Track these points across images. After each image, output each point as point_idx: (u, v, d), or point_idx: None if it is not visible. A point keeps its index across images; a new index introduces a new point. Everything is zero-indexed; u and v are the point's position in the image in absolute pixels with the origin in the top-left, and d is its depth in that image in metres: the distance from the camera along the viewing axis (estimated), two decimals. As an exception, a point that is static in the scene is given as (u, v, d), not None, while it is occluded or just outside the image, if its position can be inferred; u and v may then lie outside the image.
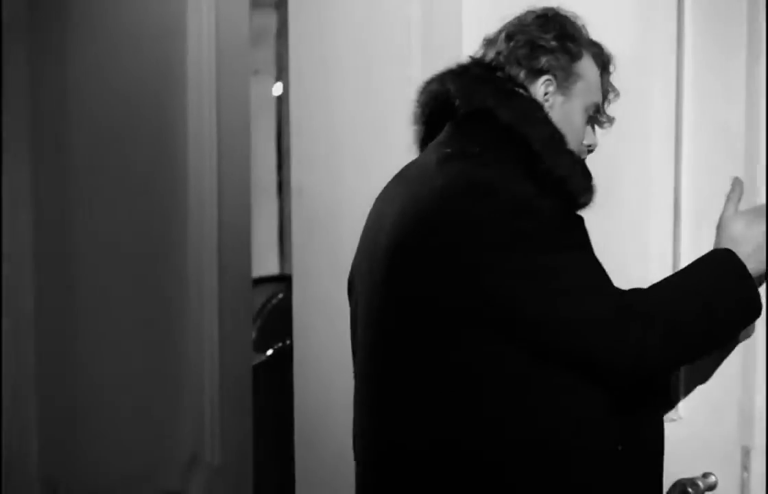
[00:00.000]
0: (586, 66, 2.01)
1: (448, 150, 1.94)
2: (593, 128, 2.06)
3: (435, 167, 1.92)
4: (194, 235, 2.53)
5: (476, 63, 2.00)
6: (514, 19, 2.02)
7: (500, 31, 2.01)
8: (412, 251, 1.88)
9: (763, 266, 2.04)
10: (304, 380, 2.29)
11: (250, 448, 2.64)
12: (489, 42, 2.04)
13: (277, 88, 7.77)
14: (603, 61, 2.05)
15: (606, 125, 2.06)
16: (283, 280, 4.90)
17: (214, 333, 2.54)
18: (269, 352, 3.55)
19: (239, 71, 2.63)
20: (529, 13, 2.03)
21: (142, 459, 2.41)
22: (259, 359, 3.84)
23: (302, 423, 2.29)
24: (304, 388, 2.30)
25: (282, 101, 7.71)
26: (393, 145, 1.95)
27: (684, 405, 2.03)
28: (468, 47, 2.03)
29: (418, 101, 1.98)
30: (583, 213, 1.83)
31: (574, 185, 1.87)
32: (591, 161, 1.90)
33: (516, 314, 1.79)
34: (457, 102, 1.96)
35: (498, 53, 2.01)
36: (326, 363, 2.24)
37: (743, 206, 1.99)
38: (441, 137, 1.98)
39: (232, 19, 2.61)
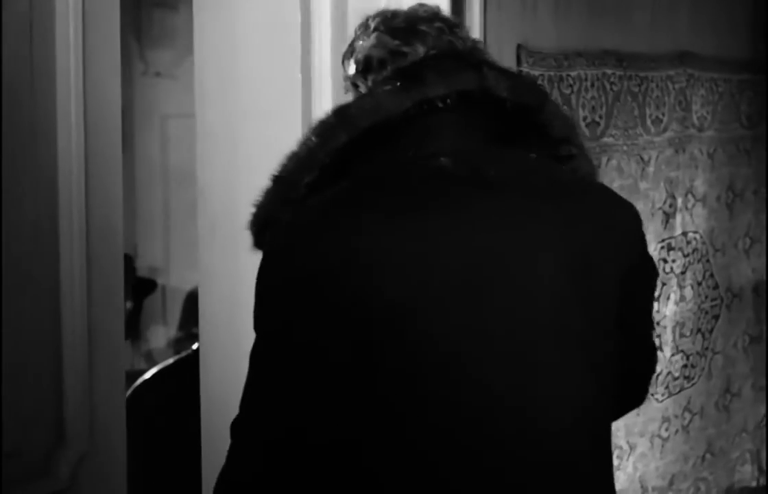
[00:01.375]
0: None
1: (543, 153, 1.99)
2: None
3: (574, 178, 1.98)
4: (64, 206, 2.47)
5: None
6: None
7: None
8: (639, 270, 1.97)
9: None
10: (211, 379, 2.27)
11: (123, 435, 2.59)
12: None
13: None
14: None
15: None
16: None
17: (83, 311, 2.49)
18: (195, 346, 3.49)
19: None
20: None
21: (8, 437, 2.33)
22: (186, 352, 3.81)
23: (208, 422, 2.28)
24: (209, 387, 2.29)
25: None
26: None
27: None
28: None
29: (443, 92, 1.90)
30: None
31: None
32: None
33: None
34: (507, 100, 1.93)
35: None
36: (231, 362, 2.22)
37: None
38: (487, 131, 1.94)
39: None
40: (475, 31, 3.34)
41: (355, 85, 2.04)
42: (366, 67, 2.02)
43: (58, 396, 2.45)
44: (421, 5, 2.07)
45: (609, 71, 3.99)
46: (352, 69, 2.04)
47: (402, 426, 1.76)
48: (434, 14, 2.04)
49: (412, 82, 1.90)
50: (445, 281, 1.77)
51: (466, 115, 1.94)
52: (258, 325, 1.80)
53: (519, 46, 3.65)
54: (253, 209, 1.92)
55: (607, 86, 4.00)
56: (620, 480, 4.05)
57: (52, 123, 2.43)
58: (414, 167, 1.88)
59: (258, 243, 1.91)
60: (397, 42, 1.98)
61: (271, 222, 1.88)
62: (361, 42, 2.05)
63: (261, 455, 1.82)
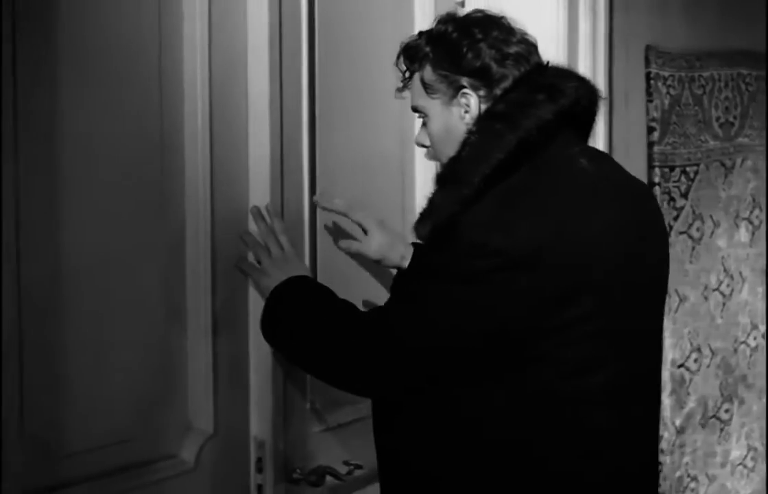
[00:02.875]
0: None
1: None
2: None
3: (641, 182, 2.47)
4: (191, 213, 2.53)
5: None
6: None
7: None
8: (666, 264, 2.40)
9: None
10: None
11: (246, 417, 2.64)
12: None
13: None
14: None
15: None
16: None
17: (208, 305, 2.54)
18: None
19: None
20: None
21: (134, 422, 2.41)
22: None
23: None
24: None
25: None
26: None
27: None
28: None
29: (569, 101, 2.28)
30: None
31: None
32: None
33: None
34: (595, 107, 2.38)
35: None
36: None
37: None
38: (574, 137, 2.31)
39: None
40: (601, 34, 3.37)
41: (458, 87, 2.23)
42: (485, 74, 2.28)
43: (184, 382, 2.51)
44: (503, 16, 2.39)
45: (744, 71, 3.96)
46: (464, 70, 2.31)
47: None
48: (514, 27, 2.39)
49: (554, 93, 2.24)
50: (615, 263, 2.21)
51: (574, 117, 2.29)
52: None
53: (648, 47, 3.66)
54: (426, 208, 2.15)
55: (743, 86, 3.96)
56: (754, 481, 4.01)
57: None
58: (565, 165, 2.22)
59: (433, 239, 2.13)
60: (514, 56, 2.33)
61: (449, 219, 2.09)
62: (476, 48, 2.30)
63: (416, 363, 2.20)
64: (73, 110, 2.24)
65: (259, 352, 2.64)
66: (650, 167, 3.75)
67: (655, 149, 3.72)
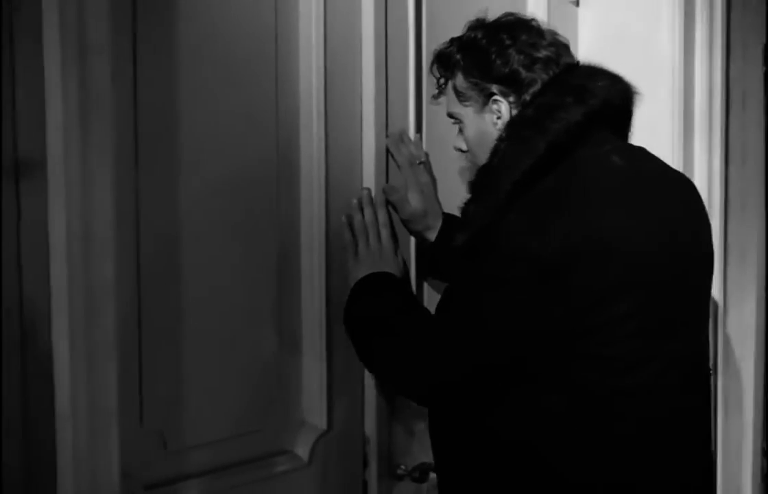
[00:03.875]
0: None
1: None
2: None
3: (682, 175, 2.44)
4: (306, 210, 2.56)
5: None
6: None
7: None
8: (710, 253, 2.41)
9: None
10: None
11: (359, 414, 2.67)
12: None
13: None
14: None
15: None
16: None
17: (322, 303, 2.57)
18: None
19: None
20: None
21: (251, 418, 2.45)
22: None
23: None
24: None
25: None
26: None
27: None
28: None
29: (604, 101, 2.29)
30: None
31: None
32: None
33: None
34: (632, 105, 2.38)
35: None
36: None
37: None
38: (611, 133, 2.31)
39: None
40: (718, 33, 3.33)
41: (489, 94, 2.37)
42: (514, 80, 2.33)
43: (298, 380, 2.54)
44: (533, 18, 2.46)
45: None
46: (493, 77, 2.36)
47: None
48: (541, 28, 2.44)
49: (582, 94, 2.25)
50: (655, 257, 2.20)
51: (606, 116, 2.30)
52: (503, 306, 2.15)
53: (766, 46, 3.61)
54: (461, 219, 2.20)
55: None
56: None
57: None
58: (596, 165, 2.23)
59: (471, 248, 2.16)
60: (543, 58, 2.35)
61: (484, 228, 2.13)
62: (505, 54, 2.36)
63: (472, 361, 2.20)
64: (191, 109, 2.29)
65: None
66: (768, 168, 3.70)
67: (774, 149, 3.67)
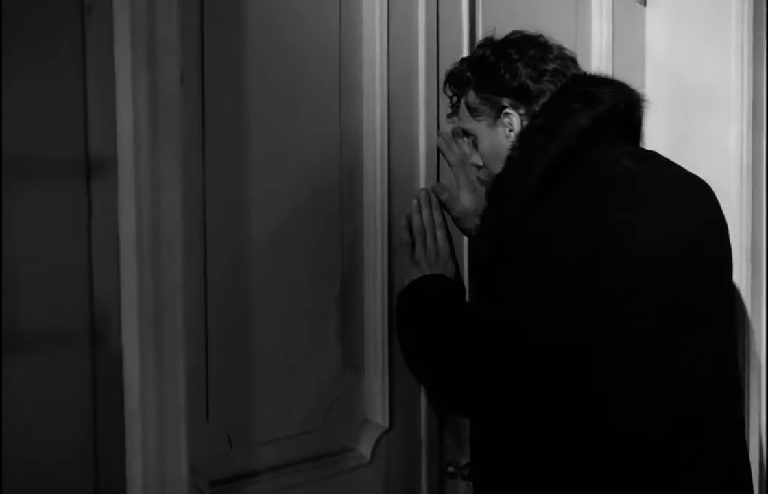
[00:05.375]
0: None
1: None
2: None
3: (695, 176, 2.40)
4: (368, 213, 2.58)
5: None
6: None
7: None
8: (726, 251, 2.42)
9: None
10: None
11: (419, 412, 2.68)
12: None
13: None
14: None
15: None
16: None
17: (384, 305, 2.59)
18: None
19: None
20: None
21: (314, 415, 2.48)
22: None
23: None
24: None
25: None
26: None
27: None
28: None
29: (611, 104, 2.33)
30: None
31: None
32: None
33: None
34: (638, 111, 2.42)
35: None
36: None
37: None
38: (619, 136, 2.35)
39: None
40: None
41: (500, 107, 2.43)
42: (524, 92, 2.39)
43: (360, 379, 2.57)
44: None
45: None
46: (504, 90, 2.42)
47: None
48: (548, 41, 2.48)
49: (590, 100, 2.30)
50: (672, 256, 2.24)
51: (614, 122, 2.34)
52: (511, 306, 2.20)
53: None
54: (481, 227, 2.22)
55: None
56: None
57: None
58: (608, 168, 2.27)
59: (493, 255, 2.19)
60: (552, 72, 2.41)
61: (503, 234, 2.18)
62: (513, 69, 2.42)
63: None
64: (257, 114, 2.31)
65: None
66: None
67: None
